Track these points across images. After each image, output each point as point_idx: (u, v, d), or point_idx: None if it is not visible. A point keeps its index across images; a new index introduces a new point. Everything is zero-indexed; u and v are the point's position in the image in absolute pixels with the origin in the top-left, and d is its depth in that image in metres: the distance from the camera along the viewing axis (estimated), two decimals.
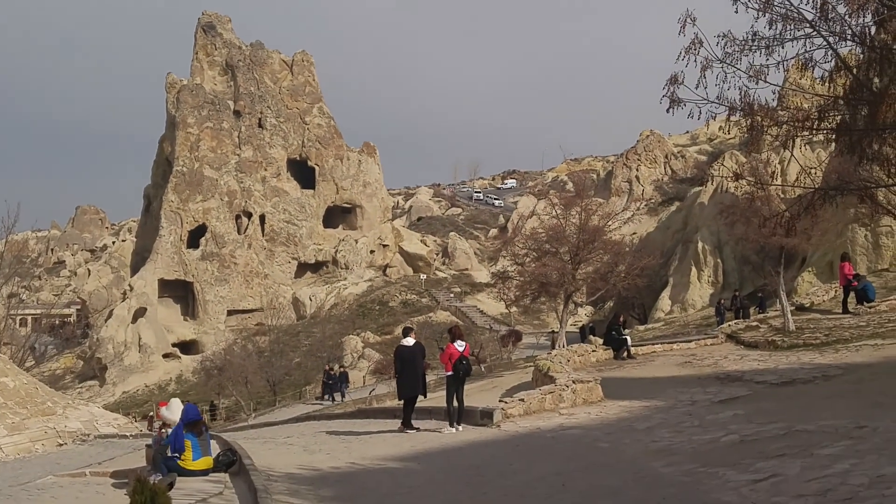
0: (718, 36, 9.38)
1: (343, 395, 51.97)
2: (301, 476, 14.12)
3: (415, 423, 19.53)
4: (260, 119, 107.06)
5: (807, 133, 9.48)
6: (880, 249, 41.37)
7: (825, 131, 9.29)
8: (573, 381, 20.82)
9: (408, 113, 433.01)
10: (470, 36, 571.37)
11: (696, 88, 9.08)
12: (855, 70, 9.18)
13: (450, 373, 18.97)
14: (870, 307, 30.78)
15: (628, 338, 30.91)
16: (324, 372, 58.02)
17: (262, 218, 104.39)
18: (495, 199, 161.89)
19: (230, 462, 14.66)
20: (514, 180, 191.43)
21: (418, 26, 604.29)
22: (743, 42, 9.33)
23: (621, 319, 32.99)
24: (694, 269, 59.29)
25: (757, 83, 9.13)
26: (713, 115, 9.27)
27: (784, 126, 9.37)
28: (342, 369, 59.09)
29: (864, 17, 8.66)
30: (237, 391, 61.82)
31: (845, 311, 31.21)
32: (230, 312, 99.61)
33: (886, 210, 36.08)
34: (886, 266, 40.01)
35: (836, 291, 34.20)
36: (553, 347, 37.49)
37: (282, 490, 12.36)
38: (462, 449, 16.22)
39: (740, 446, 13.30)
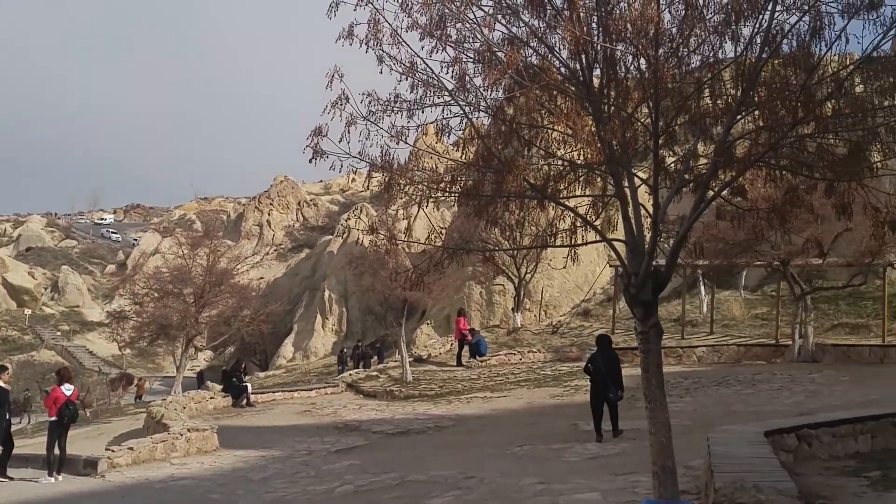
0: (364, 94, 9.72)
1: None
2: None
3: (10, 471, 17.87)
4: None
5: (440, 194, 10.09)
6: (493, 306, 44.92)
7: (456, 194, 9.94)
8: (188, 430, 20.21)
9: (23, 135, 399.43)
10: (104, 61, 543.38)
11: (340, 142, 9.32)
12: (486, 139, 9.97)
13: (54, 418, 17.67)
14: (481, 361, 33.28)
15: (248, 385, 30.67)
16: None
17: None
18: (114, 232, 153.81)
19: None
20: (136, 215, 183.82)
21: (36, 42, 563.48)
22: (386, 103, 9.75)
23: (243, 366, 32.71)
24: (319, 316, 60.36)
25: (398, 143, 9.57)
26: (355, 168, 9.56)
27: (419, 186, 9.92)
28: None
29: (497, 91, 9.46)
30: None
31: (459, 363, 33.45)
32: None
33: (501, 270, 39.52)
34: (498, 322, 43.52)
35: (451, 344, 36.53)
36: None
37: None
38: (60, 501, 15.03)
39: (354, 497, 13.63)
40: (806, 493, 9.47)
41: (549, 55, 9.42)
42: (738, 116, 10.37)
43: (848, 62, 10.88)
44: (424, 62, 9.50)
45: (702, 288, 36.55)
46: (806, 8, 9.82)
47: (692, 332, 33.36)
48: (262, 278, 70.28)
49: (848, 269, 28.39)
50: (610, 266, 37.69)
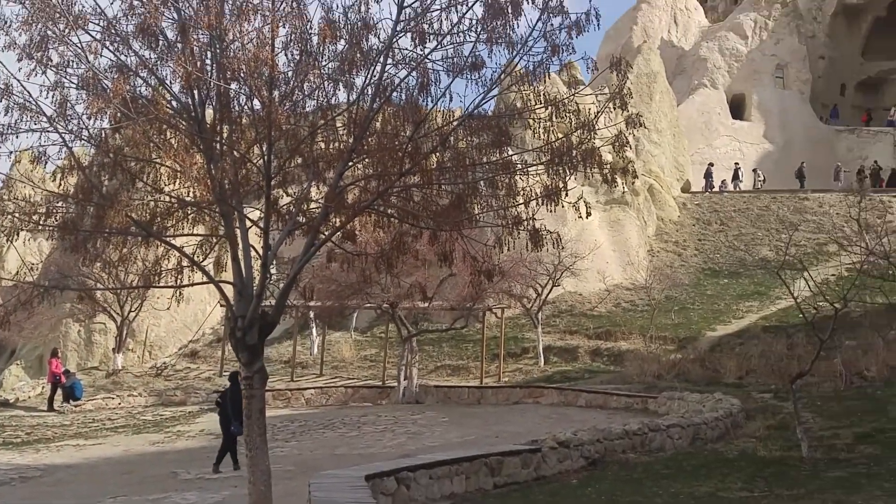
0: None
1: None
2: None
3: None
4: None
5: (33, 227, 9.50)
6: (93, 346, 42.43)
7: (52, 227, 9.42)
8: None
9: None
10: None
11: None
12: (87, 170, 9.56)
13: None
14: (76, 406, 31.33)
15: None
16: None
17: None
18: None
19: None
20: None
21: None
22: None
23: None
24: None
25: None
26: None
27: (9, 216, 9.29)
28: None
29: (102, 121, 9.13)
30: None
31: (51, 408, 31.26)
32: None
33: (103, 308, 37.55)
34: (97, 363, 41.21)
35: (44, 387, 34.07)
36: None
37: None
38: None
39: None
40: None
41: (161, 87, 9.30)
42: (350, 163, 10.89)
43: (452, 118, 11.88)
44: (21, 84, 8.96)
45: (313, 329, 37.37)
46: (414, 64, 10.60)
47: (302, 373, 33.94)
48: None
49: (451, 313, 30.59)
50: (221, 306, 37.35)
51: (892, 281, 24.22)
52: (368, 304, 29.84)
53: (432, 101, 11.21)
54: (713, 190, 46.78)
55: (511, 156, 12.44)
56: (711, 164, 47.92)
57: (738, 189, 47.01)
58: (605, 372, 29.46)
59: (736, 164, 48.25)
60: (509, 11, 11.50)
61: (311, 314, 35.08)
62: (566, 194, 11.40)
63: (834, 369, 23.70)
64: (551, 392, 27.05)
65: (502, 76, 12.05)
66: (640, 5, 54.27)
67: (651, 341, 30.54)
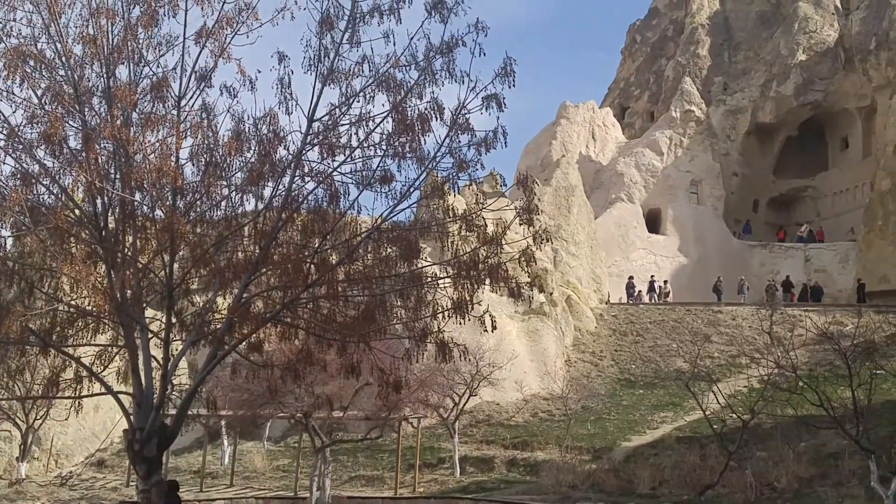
0: None
1: None
2: None
3: None
4: None
5: None
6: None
7: None
8: None
9: None
10: None
11: None
12: None
13: None
14: None
15: None
16: None
17: None
18: None
19: None
20: None
21: None
22: None
23: None
24: None
25: None
26: None
27: None
28: None
29: (3, 229, 9.09)
30: None
31: None
32: None
33: (6, 415, 36.24)
34: (0, 472, 39.55)
35: None
36: None
37: None
38: None
39: None
40: None
41: (63, 196, 9.31)
42: (257, 273, 10.94)
43: (360, 230, 12.06)
44: None
45: (224, 439, 36.52)
46: (322, 178, 10.82)
47: (212, 484, 33.01)
48: None
49: (367, 422, 30.23)
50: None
51: (799, 394, 24.80)
52: (281, 414, 29.38)
53: (341, 213, 11.40)
54: (633, 302, 47.68)
55: (420, 269, 12.63)
56: (632, 277, 48.94)
57: (653, 301, 47.99)
58: (520, 482, 29.30)
59: (652, 276, 49.34)
60: (417, 128, 11.83)
61: (223, 423, 34.37)
62: (472, 308, 11.59)
63: (744, 480, 23.98)
64: (467, 503, 26.77)
65: (410, 190, 12.31)
66: (560, 121, 55.95)
67: (567, 451, 30.57)
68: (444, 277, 12.29)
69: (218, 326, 10.72)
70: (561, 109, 56.34)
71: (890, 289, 46.76)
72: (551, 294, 40.41)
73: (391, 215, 12.59)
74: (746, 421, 24.17)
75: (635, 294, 48.44)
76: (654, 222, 53.45)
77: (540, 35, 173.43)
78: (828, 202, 57.55)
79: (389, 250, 12.03)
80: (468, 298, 11.01)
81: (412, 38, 12.32)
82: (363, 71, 12.45)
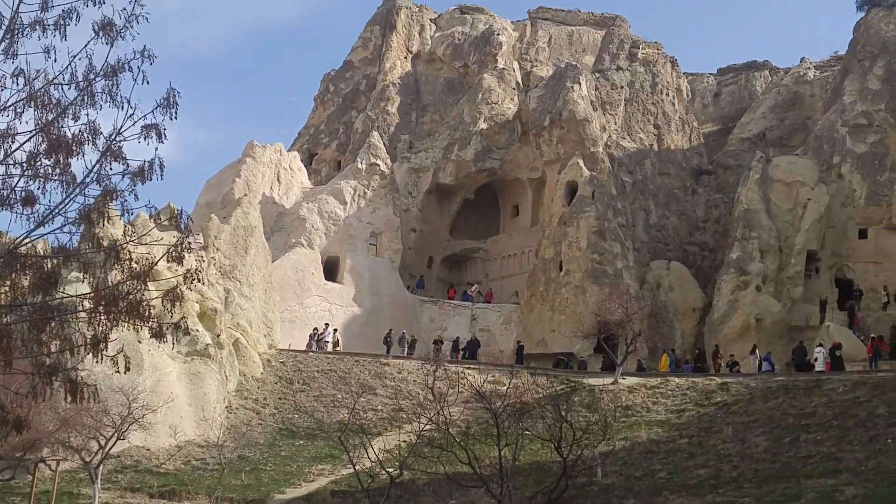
0: None
1: None
2: None
3: None
4: None
5: None
6: None
7: None
8: None
9: None
10: None
11: None
12: None
13: None
14: None
15: None
16: None
17: None
18: None
19: None
20: None
21: None
22: None
23: None
24: None
25: None
26: None
27: None
28: None
29: None
30: None
31: None
32: None
33: None
34: None
35: None
36: None
37: None
38: None
39: None
40: None
41: None
42: None
43: None
44: None
45: None
46: None
47: None
48: None
49: None
50: None
51: (450, 451, 25.82)
52: None
53: None
54: (315, 350, 47.54)
55: (58, 300, 11.94)
56: (316, 328, 48.92)
57: (324, 350, 48.26)
58: None
59: (326, 324, 49.73)
60: (66, 150, 11.28)
61: None
62: (106, 346, 11.05)
63: None
64: None
65: (52, 215, 11.68)
66: (246, 159, 55.44)
67: (217, 502, 29.79)
68: (80, 311, 11.68)
69: None
70: (248, 148, 55.92)
71: (546, 352, 50.31)
72: (219, 336, 39.54)
73: (31, 239, 11.84)
74: (394, 476, 24.81)
75: (330, 342, 48.35)
76: (331, 270, 54.09)
77: (235, 72, 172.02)
78: (496, 265, 61.22)
79: (22, 278, 11.27)
80: (101, 336, 10.49)
81: (74, 57, 11.75)
82: (17, 84, 11.71)
